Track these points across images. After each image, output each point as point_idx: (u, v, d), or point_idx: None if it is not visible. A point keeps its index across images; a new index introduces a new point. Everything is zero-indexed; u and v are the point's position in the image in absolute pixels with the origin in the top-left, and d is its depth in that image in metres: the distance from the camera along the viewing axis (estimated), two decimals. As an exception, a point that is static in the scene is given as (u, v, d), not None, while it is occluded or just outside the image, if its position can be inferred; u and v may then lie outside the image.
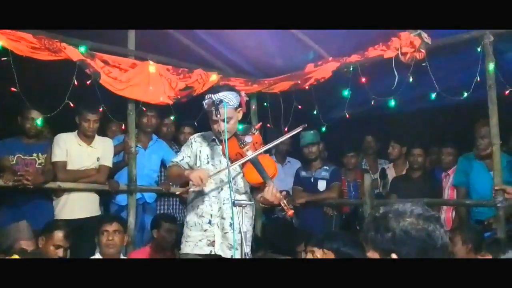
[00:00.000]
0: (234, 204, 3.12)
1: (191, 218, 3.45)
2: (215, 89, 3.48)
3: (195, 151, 3.49)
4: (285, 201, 3.29)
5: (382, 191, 5.88)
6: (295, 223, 5.80)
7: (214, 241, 3.35)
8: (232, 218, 3.20)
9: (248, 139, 3.43)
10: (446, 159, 5.45)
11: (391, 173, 6.00)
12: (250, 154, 3.33)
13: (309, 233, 4.93)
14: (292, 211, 3.36)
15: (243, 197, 3.43)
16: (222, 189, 3.37)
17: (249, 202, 3.36)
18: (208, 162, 3.44)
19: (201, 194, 3.41)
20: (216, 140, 3.44)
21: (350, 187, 5.97)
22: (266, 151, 3.54)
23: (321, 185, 5.64)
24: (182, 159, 3.50)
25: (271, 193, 3.22)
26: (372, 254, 1.82)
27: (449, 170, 5.40)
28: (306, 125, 3.62)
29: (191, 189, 3.35)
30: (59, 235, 3.86)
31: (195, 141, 3.52)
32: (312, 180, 5.68)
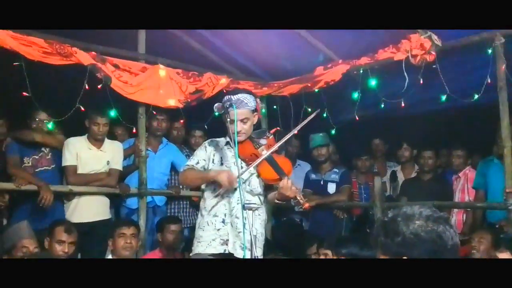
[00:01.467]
0: (244, 207, 3.14)
1: (203, 218, 3.44)
2: (232, 92, 3.56)
3: (209, 154, 3.49)
4: (300, 194, 3.36)
5: (393, 194, 5.86)
6: (305, 225, 5.79)
7: (227, 240, 3.33)
8: (245, 218, 3.23)
9: (263, 141, 3.48)
10: (457, 162, 5.43)
11: (400, 176, 5.99)
12: (265, 153, 3.35)
13: (319, 236, 4.93)
14: (308, 204, 3.41)
15: (256, 199, 3.43)
16: (235, 189, 3.35)
17: (259, 205, 3.37)
18: (222, 164, 3.45)
19: (213, 195, 3.41)
20: (230, 143, 3.44)
21: (361, 190, 5.96)
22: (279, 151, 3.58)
23: (331, 187, 5.63)
24: (198, 163, 3.48)
25: (287, 186, 3.27)
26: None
27: (460, 173, 5.38)
28: (319, 110, 3.72)
29: (221, 192, 3.34)
30: (60, 230, 3.95)
31: (209, 145, 3.53)
32: (322, 183, 5.67)
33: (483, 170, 4.99)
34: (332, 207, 5.63)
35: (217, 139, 3.58)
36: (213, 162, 3.47)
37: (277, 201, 3.52)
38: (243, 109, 3.36)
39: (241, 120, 3.35)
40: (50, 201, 4.34)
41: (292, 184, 3.30)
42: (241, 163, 3.35)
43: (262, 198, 3.49)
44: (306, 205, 3.35)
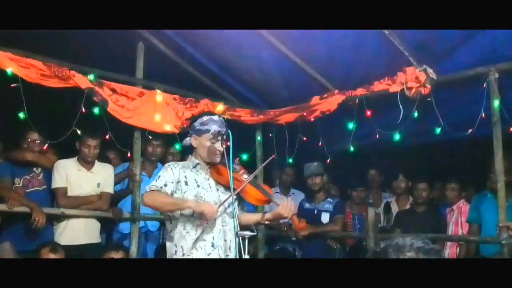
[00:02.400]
0: (237, 235, 3.13)
1: (188, 244, 3.34)
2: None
3: (177, 177, 3.41)
4: (295, 215, 3.40)
5: (386, 225, 5.85)
6: (298, 255, 5.76)
7: None
8: (233, 242, 3.28)
9: (236, 167, 3.51)
10: (450, 195, 5.43)
11: (394, 207, 5.98)
12: (247, 177, 3.42)
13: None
14: (304, 224, 3.43)
15: (235, 222, 3.40)
16: (218, 211, 3.34)
17: (253, 233, 3.34)
18: (198, 186, 3.42)
19: (196, 219, 3.36)
20: (202, 165, 3.48)
21: (355, 220, 5.94)
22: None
23: (325, 217, 5.62)
24: (166, 185, 3.36)
25: (287, 205, 3.31)
26: None
27: (454, 206, 5.38)
28: (274, 156, 3.80)
29: (204, 223, 3.35)
30: (45, 251, 3.99)
31: (175, 167, 3.45)
32: (315, 212, 5.65)
33: (477, 204, 4.99)
34: (326, 237, 5.60)
35: (180, 162, 3.58)
36: (186, 184, 3.41)
37: (265, 222, 3.55)
38: (223, 128, 3.45)
39: (222, 139, 3.41)
40: (42, 223, 4.30)
41: (291, 204, 3.35)
42: (216, 186, 3.45)
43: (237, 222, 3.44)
44: (302, 224, 3.41)
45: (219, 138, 3.40)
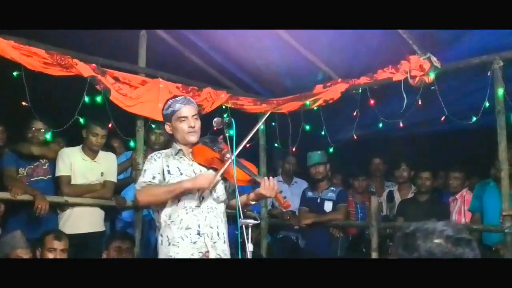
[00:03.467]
0: (240, 224, 3.09)
1: (174, 233, 3.25)
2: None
3: (161, 166, 3.34)
4: (280, 194, 3.30)
5: (389, 214, 5.85)
6: (301, 243, 5.77)
7: (207, 251, 3.23)
8: (220, 228, 3.24)
9: (220, 145, 3.38)
10: (454, 184, 5.43)
11: (396, 196, 5.98)
12: (229, 156, 3.24)
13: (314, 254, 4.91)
14: (288, 202, 3.35)
15: (221, 206, 3.37)
16: (203, 198, 3.28)
17: (256, 222, 3.30)
18: (181, 174, 3.32)
19: (180, 208, 3.28)
20: (184, 150, 3.38)
21: (357, 209, 5.94)
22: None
23: (328, 206, 5.62)
24: (154, 177, 3.29)
25: (269, 185, 3.21)
26: None
27: (457, 195, 5.38)
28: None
29: (201, 194, 3.25)
30: (50, 238, 3.97)
31: (158, 157, 3.38)
32: (318, 201, 5.66)
33: (480, 193, 4.99)
34: (328, 226, 5.61)
35: (163, 151, 3.49)
36: (169, 173, 3.32)
37: (251, 202, 3.42)
38: (192, 105, 3.38)
39: (192, 117, 3.32)
40: (45, 210, 4.31)
41: (274, 184, 3.24)
42: (201, 170, 3.32)
43: (224, 205, 3.40)
44: (286, 203, 3.30)
45: (187, 115, 3.31)
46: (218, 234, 3.25)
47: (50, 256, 3.91)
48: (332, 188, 5.69)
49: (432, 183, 5.56)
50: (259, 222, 3.42)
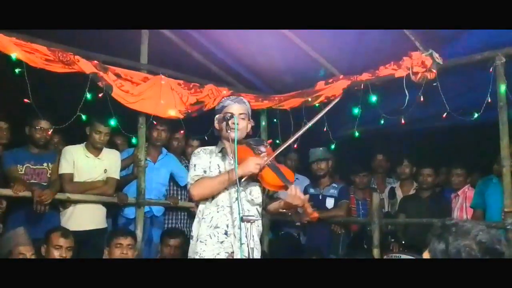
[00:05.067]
0: (242, 220, 3.09)
1: (203, 231, 3.28)
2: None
3: (205, 162, 3.36)
4: (308, 203, 3.28)
5: (391, 210, 5.85)
6: (302, 240, 5.78)
7: (232, 252, 3.22)
8: (247, 229, 3.10)
9: (262, 149, 3.38)
10: (456, 180, 5.43)
11: (398, 193, 5.98)
12: (268, 161, 3.25)
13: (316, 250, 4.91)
14: (316, 213, 3.33)
15: (254, 210, 3.34)
16: (235, 199, 3.26)
17: (258, 218, 3.31)
18: (220, 172, 3.33)
19: (213, 205, 3.31)
20: (227, 148, 3.36)
21: (359, 206, 5.95)
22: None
23: (329, 202, 5.63)
24: (205, 172, 3.32)
25: (295, 194, 3.20)
26: (425, 255, 1.80)
27: (459, 191, 5.38)
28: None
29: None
30: (56, 236, 3.97)
31: (204, 153, 3.40)
32: (320, 197, 5.66)
33: (482, 189, 4.98)
34: (330, 222, 5.61)
35: (209, 147, 3.48)
36: (210, 169, 3.34)
37: (282, 211, 3.41)
38: (242, 104, 3.36)
39: (239, 115, 3.30)
40: (45, 201, 4.31)
41: (300, 193, 3.25)
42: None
43: (260, 209, 3.40)
44: (315, 214, 3.29)
45: (234, 112, 3.29)
46: (246, 236, 3.13)
47: (56, 253, 3.91)
48: (334, 185, 5.70)
49: (433, 179, 5.56)
50: (261, 218, 3.40)
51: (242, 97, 3.50)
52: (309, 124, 3.56)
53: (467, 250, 1.67)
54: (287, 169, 3.44)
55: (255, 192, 3.36)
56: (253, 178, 3.29)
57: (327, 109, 3.44)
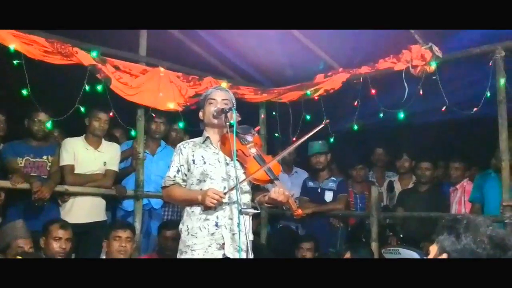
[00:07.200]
0: (240, 213, 3.08)
1: (193, 224, 3.27)
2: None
3: (186, 157, 3.35)
4: (293, 199, 3.24)
5: (389, 204, 5.86)
6: (301, 233, 5.78)
7: (224, 244, 3.21)
8: (240, 219, 3.07)
9: (249, 138, 3.37)
10: (454, 174, 5.43)
11: (397, 186, 5.99)
12: (253, 152, 3.27)
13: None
14: (300, 210, 3.31)
15: (246, 196, 3.33)
16: (225, 188, 3.25)
17: (256, 211, 3.29)
18: (204, 163, 3.31)
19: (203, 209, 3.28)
20: (212, 138, 3.36)
21: (357, 199, 5.96)
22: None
23: (328, 196, 5.62)
24: (178, 171, 3.35)
25: (278, 191, 3.16)
26: (432, 248, 1.81)
27: (457, 185, 5.38)
28: (328, 121, 3.68)
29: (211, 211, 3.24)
30: (55, 227, 3.97)
31: (185, 147, 3.39)
32: (319, 191, 5.66)
33: (480, 183, 4.98)
34: (329, 216, 5.62)
35: (193, 139, 3.48)
36: (194, 162, 3.32)
37: (267, 204, 3.39)
38: (224, 91, 3.43)
39: (222, 100, 3.32)
40: (44, 194, 4.30)
41: (284, 189, 3.19)
42: (226, 160, 3.29)
43: (250, 197, 3.37)
44: (299, 211, 3.24)
45: (216, 98, 3.32)
46: (238, 226, 3.13)
47: (55, 245, 3.91)
48: (333, 178, 5.69)
49: (432, 173, 5.56)
50: (259, 211, 3.39)
51: (224, 87, 3.58)
52: (311, 133, 3.47)
53: (478, 244, 1.68)
54: (274, 162, 3.36)
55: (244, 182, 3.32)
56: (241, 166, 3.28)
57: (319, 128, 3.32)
